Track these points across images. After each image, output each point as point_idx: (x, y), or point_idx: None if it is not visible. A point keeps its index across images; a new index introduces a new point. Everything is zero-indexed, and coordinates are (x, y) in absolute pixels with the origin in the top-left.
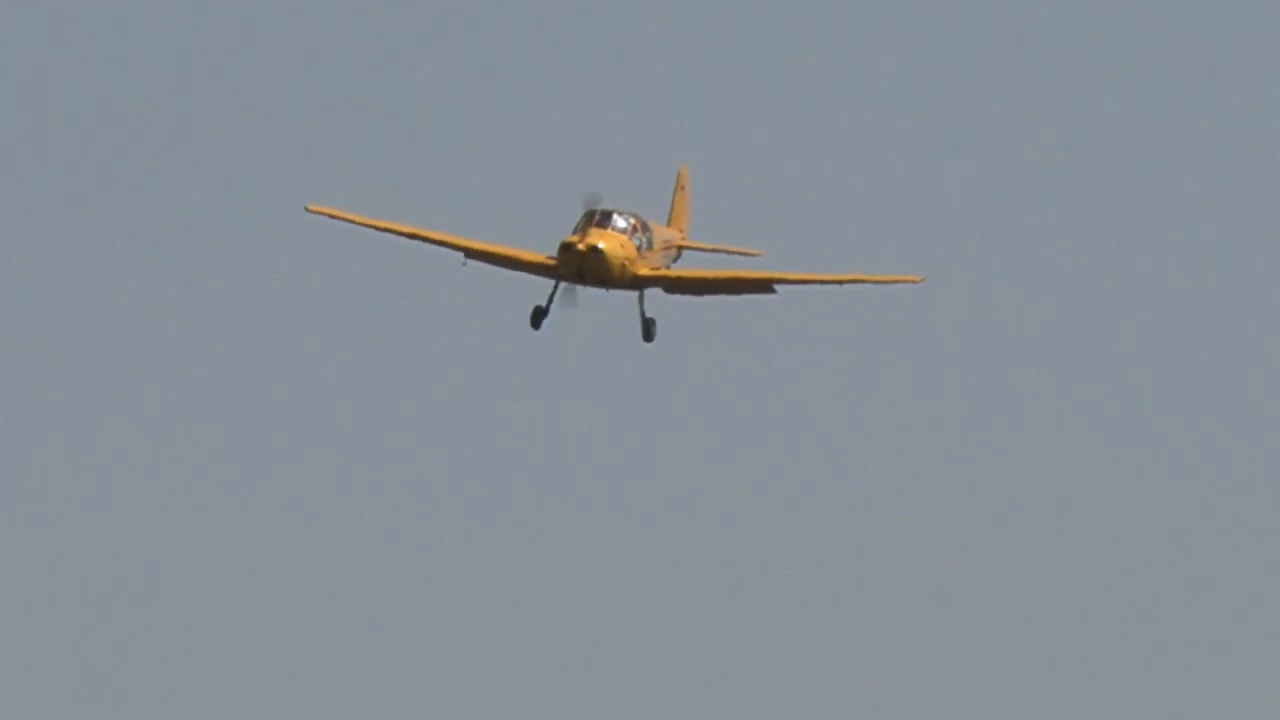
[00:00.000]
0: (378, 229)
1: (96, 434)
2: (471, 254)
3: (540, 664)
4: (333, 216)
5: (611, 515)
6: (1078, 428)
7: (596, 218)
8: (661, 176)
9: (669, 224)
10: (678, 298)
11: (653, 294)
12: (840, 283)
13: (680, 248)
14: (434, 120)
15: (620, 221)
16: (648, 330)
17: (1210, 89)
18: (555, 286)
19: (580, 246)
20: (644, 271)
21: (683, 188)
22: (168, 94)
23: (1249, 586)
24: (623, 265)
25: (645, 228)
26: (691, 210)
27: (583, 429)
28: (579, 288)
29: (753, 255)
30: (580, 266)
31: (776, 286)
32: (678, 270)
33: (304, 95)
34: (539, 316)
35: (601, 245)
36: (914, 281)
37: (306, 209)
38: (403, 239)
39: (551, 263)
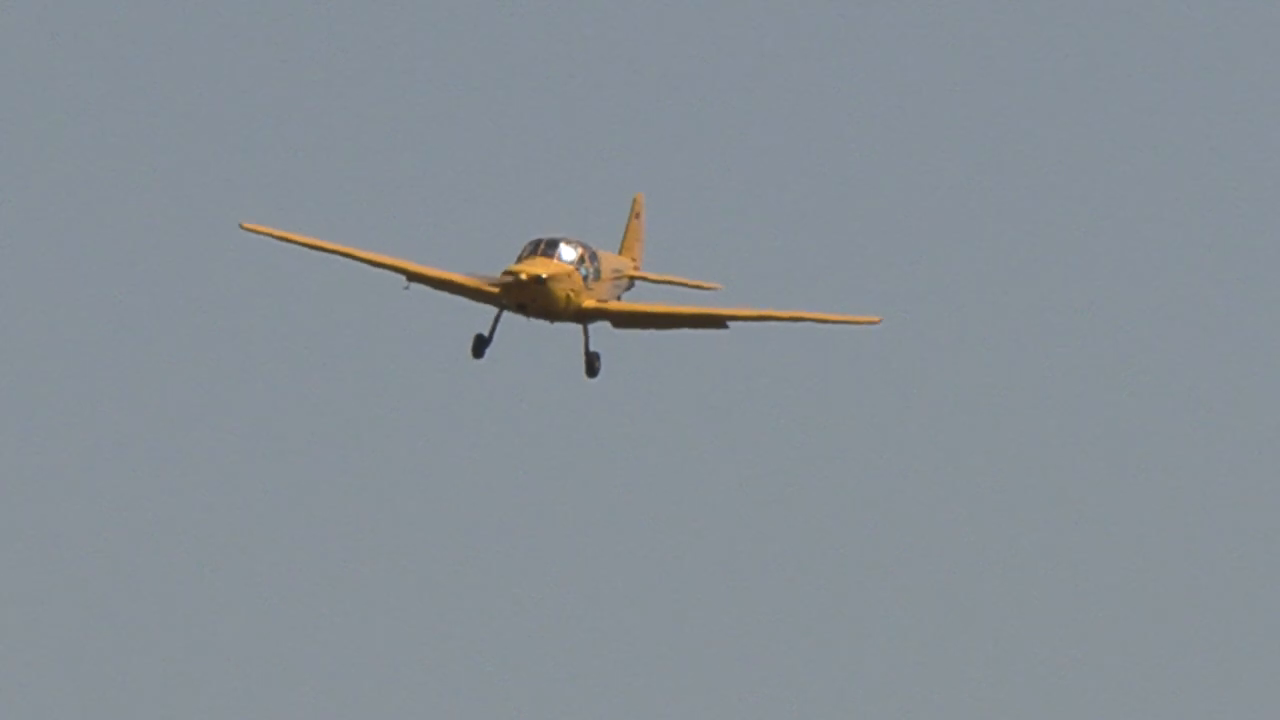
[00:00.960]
0: (316, 249)
1: (25, 452)
2: (414, 277)
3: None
4: (269, 235)
5: (549, 556)
6: (1037, 469)
7: (542, 246)
8: (616, 202)
9: (621, 252)
10: (625, 331)
11: (598, 326)
12: (795, 320)
13: (632, 278)
14: (381, 140)
15: (567, 251)
16: (591, 365)
17: (1177, 118)
18: (498, 315)
19: (523, 276)
20: (590, 304)
21: (637, 215)
22: (104, 108)
23: (1246, 602)
24: (567, 297)
25: (593, 257)
26: (645, 240)
27: (520, 464)
28: (510, 311)
29: (709, 289)
30: (522, 296)
31: (729, 323)
32: (626, 304)
33: (245, 110)
34: (481, 345)
35: (545, 275)
36: (872, 322)
37: (241, 226)
38: (343, 260)
39: (494, 290)
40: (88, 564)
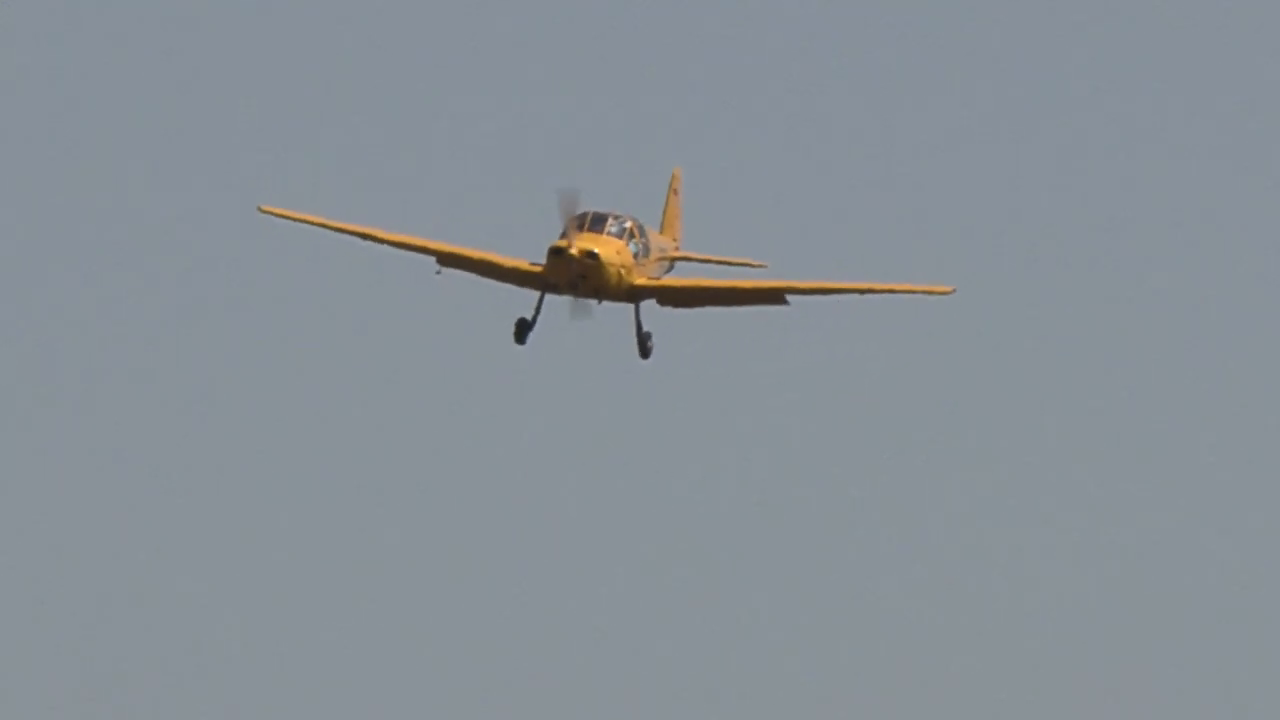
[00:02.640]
0: (339, 231)
1: (40, 436)
2: (446, 260)
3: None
4: (288, 218)
5: (601, 557)
6: (1108, 443)
7: (589, 220)
8: (650, 179)
9: (661, 230)
10: (672, 309)
11: (646, 305)
12: (862, 292)
13: (674, 259)
14: (408, 118)
15: (615, 225)
16: (644, 346)
17: (1244, 94)
18: (541, 298)
19: (573, 252)
20: (641, 281)
21: (676, 191)
22: (124, 93)
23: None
24: (619, 274)
25: (642, 233)
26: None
27: (571, 455)
28: (591, 300)
29: (756, 267)
30: (573, 275)
31: (789, 297)
32: (680, 279)
33: (269, 91)
34: (524, 330)
35: (597, 251)
36: (945, 292)
37: (259, 209)
38: (369, 244)
39: (537, 270)
40: (109, 548)
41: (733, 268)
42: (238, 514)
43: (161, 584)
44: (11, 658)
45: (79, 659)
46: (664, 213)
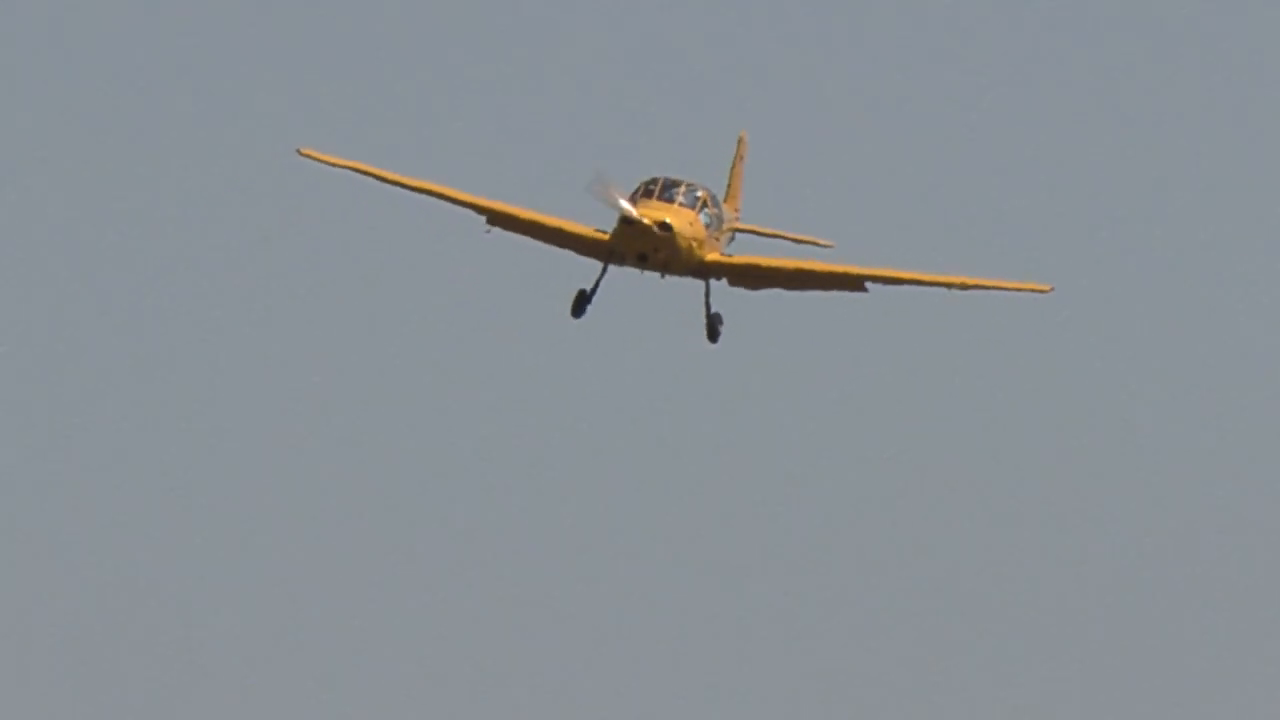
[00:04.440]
0: (381, 180)
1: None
2: (498, 219)
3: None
4: (329, 163)
5: (641, 557)
6: (1202, 448)
7: (659, 188)
8: (707, 142)
9: (725, 199)
10: (739, 289)
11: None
12: (952, 287)
13: (735, 230)
14: (462, 71)
15: (687, 195)
16: (713, 328)
17: None
18: (603, 269)
19: (647, 222)
20: (712, 257)
21: (741, 158)
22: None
23: None
24: (690, 248)
25: (714, 202)
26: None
27: (630, 443)
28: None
29: (823, 246)
30: (644, 246)
31: (869, 285)
32: (752, 257)
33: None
34: (582, 303)
35: (671, 222)
36: (1043, 291)
37: (299, 152)
38: (414, 196)
39: (603, 238)
40: (170, 497)
41: (797, 244)
42: (264, 481)
43: (215, 531)
44: (11, 658)
45: (84, 657)
46: (729, 180)
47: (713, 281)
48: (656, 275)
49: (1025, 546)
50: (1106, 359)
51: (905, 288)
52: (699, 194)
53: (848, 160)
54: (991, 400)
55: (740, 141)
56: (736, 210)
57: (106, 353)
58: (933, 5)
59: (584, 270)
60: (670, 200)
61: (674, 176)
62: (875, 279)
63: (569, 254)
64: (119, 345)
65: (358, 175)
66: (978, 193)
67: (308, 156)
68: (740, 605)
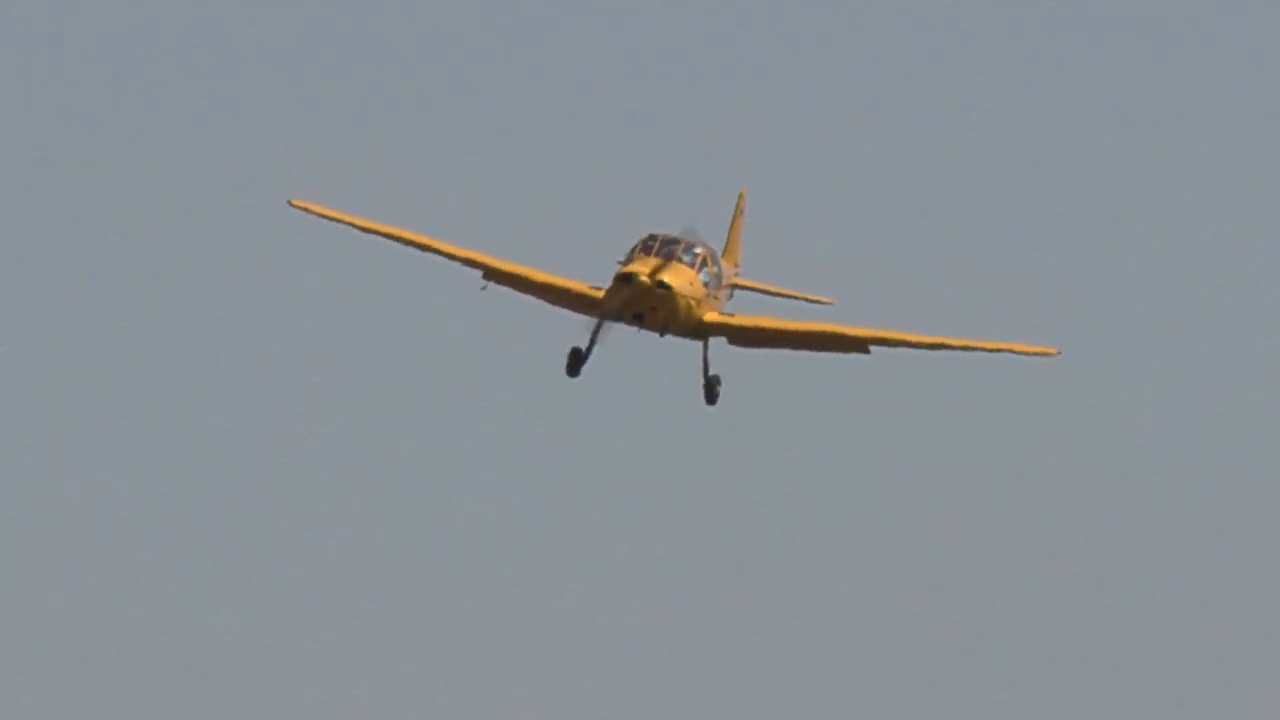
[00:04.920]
0: (374, 234)
1: (68, 431)
2: (493, 275)
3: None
4: (320, 214)
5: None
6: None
7: (658, 245)
8: (705, 199)
9: (724, 255)
10: (738, 349)
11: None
12: (961, 349)
13: (734, 287)
14: (462, 123)
15: (687, 253)
16: (711, 390)
17: None
18: (598, 325)
19: (644, 279)
20: (711, 317)
21: (741, 212)
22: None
23: None
24: (689, 307)
25: (714, 260)
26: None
27: (625, 507)
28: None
29: (823, 304)
30: (640, 305)
31: (873, 348)
32: (752, 318)
33: (312, 87)
34: (577, 362)
35: (671, 282)
36: (1049, 354)
37: (290, 204)
38: (409, 250)
39: (598, 296)
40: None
41: (796, 302)
42: (246, 523)
43: (178, 587)
44: (13, 658)
45: (88, 656)
46: (728, 237)
47: (712, 340)
48: (654, 334)
49: (1029, 612)
50: (1112, 423)
51: (902, 350)
52: (698, 251)
53: (848, 217)
54: (997, 464)
55: (740, 198)
56: (736, 266)
57: (94, 428)
58: (935, 65)
59: (582, 327)
60: (669, 257)
61: (673, 233)
62: (878, 342)
63: (566, 311)
64: (91, 393)
65: (341, 226)
66: (980, 252)
67: (299, 208)
68: (736, 670)
